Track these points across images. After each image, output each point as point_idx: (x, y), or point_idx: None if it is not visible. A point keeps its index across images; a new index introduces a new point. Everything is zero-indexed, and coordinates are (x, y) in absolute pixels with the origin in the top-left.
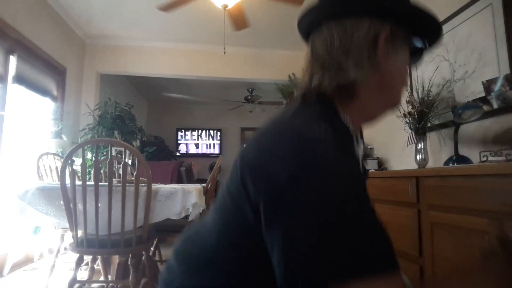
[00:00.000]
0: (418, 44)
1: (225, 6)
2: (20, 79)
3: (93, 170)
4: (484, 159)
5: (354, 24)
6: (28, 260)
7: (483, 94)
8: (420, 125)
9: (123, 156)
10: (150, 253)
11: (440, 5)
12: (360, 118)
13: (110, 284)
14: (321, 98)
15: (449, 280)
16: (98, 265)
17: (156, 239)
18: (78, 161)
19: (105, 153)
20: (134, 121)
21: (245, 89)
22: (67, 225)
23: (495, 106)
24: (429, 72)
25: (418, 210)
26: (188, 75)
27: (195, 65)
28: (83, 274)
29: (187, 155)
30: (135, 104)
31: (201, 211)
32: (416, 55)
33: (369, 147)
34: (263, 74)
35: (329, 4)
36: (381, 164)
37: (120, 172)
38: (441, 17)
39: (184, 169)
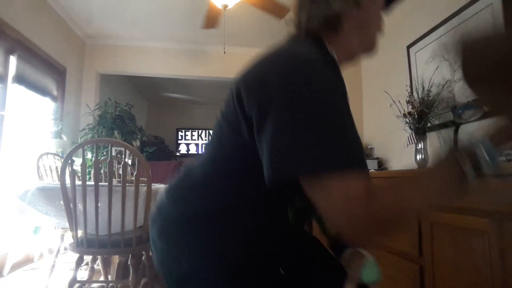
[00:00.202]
0: None
1: (225, 6)
2: (20, 79)
3: (93, 170)
4: None
5: None
6: (28, 260)
7: None
8: (420, 125)
9: (123, 156)
10: (150, 253)
11: (440, 5)
12: (343, 55)
13: (110, 284)
14: (310, 34)
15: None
16: (98, 265)
17: None
18: (78, 161)
19: (105, 153)
20: (134, 121)
21: None
22: (67, 225)
23: None
24: (429, 72)
25: None
26: (188, 75)
27: (195, 65)
28: (83, 274)
29: (187, 155)
30: (135, 104)
31: None
32: (389, 5)
33: (369, 147)
34: None
35: None
36: (381, 164)
37: (120, 172)
38: (441, 17)
39: None
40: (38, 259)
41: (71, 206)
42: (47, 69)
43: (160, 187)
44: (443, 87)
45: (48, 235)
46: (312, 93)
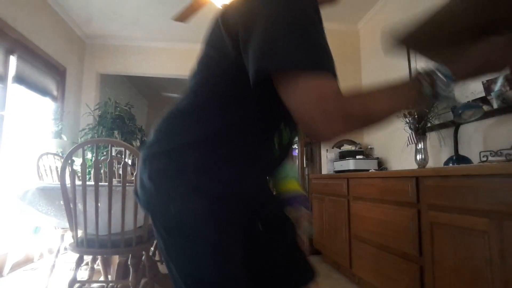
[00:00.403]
0: None
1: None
2: (20, 79)
3: (93, 170)
4: (484, 159)
5: None
6: (28, 260)
7: (483, 94)
8: (420, 125)
9: (123, 156)
10: (150, 253)
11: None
12: None
13: (110, 284)
14: None
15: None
16: (98, 265)
17: (156, 239)
18: (78, 161)
19: (105, 153)
20: (134, 121)
21: None
22: (67, 225)
23: (495, 106)
24: None
25: (418, 210)
26: (188, 75)
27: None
28: (83, 274)
29: None
30: (135, 104)
31: None
32: None
33: (369, 147)
34: None
35: None
36: (381, 164)
37: (120, 172)
38: None
39: None
40: (38, 259)
41: (71, 206)
42: (47, 69)
43: None
44: None
45: (48, 235)
46: (291, 2)
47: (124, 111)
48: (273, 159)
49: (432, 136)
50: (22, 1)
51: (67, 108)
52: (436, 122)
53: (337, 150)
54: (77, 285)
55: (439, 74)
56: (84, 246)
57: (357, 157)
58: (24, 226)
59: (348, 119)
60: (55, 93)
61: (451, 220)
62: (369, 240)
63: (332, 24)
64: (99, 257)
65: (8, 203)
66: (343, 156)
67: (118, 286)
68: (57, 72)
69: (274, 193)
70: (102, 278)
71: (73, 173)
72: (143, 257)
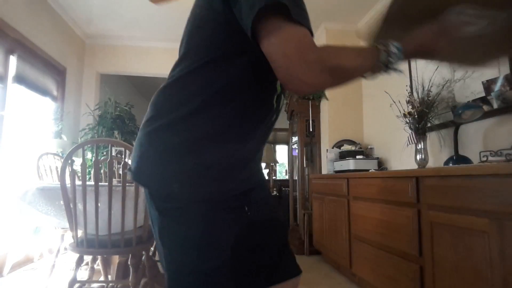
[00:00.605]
0: None
1: None
2: (20, 79)
3: (93, 170)
4: (484, 159)
5: None
6: (28, 260)
7: (483, 94)
8: (420, 125)
9: (123, 156)
10: (150, 253)
11: None
12: None
13: (110, 284)
14: None
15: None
16: (98, 265)
17: None
18: (78, 161)
19: (105, 153)
20: (134, 121)
21: None
22: (67, 225)
23: (495, 106)
24: (429, 72)
25: (418, 210)
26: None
27: None
28: (83, 274)
29: None
30: (135, 104)
31: None
32: None
33: (369, 147)
34: None
35: None
36: (381, 164)
37: (120, 172)
38: None
39: None
40: (38, 259)
41: (71, 206)
42: (47, 69)
43: None
44: (443, 87)
45: (48, 235)
46: None
47: (124, 111)
48: (269, 124)
49: (432, 136)
50: (22, 1)
51: (67, 108)
52: (436, 122)
53: (337, 150)
54: (77, 285)
55: (392, 46)
56: (84, 246)
57: (357, 157)
58: (24, 226)
59: (325, 71)
60: (55, 93)
61: (451, 220)
62: (369, 240)
63: (332, 24)
64: (99, 257)
65: (8, 203)
66: (343, 156)
67: (118, 286)
68: (57, 72)
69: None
70: (102, 278)
71: (73, 173)
72: (143, 257)
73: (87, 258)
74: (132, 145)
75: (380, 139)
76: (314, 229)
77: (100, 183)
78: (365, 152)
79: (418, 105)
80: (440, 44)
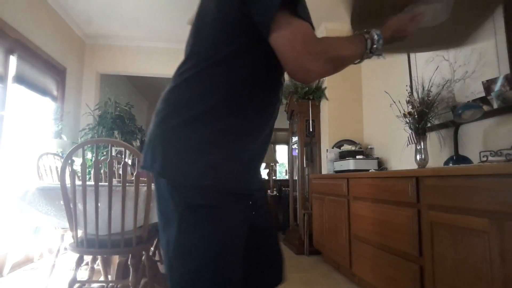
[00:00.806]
0: None
1: None
2: (20, 79)
3: (93, 170)
4: (484, 159)
5: None
6: (28, 260)
7: (483, 94)
8: (420, 125)
9: (123, 156)
10: (150, 253)
11: None
12: None
13: (110, 284)
14: None
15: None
16: (98, 265)
17: (156, 239)
18: (78, 161)
19: (105, 153)
20: (134, 121)
21: None
22: (67, 225)
23: (495, 106)
24: (429, 72)
25: (418, 210)
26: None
27: None
28: (83, 274)
29: None
30: (135, 104)
31: None
32: None
33: (369, 147)
34: None
35: None
36: (381, 164)
37: (120, 172)
38: None
39: None
40: (38, 259)
41: (71, 206)
42: (47, 69)
43: None
44: (443, 87)
45: (48, 235)
46: None
47: (124, 111)
48: (275, 118)
49: (432, 136)
50: (22, 1)
51: (67, 108)
52: (436, 122)
53: (337, 150)
54: (77, 285)
55: (375, 34)
56: (84, 246)
57: (357, 157)
58: (24, 226)
59: (328, 60)
60: (55, 93)
61: (451, 220)
62: (369, 240)
63: (333, 24)
64: (99, 257)
65: (8, 203)
66: (343, 156)
67: (118, 286)
68: (57, 72)
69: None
70: (102, 278)
71: (73, 173)
72: (143, 257)
73: (87, 258)
74: (132, 145)
75: (380, 139)
76: (314, 229)
77: (100, 183)
78: (365, 152)
79: (418, 105)
80: (409, 29)
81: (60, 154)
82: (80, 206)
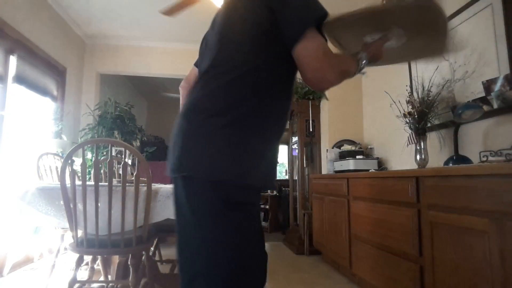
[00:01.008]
0: None
1: None
2: (20, 79)
3: (93, 170)
4: (484, 159)
5: None
6: (28, 260)
7: (483, 94)
8: (420, 125)
9: (123, 156)
10: (150, 253)
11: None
12: None
13: (110, 284)
14: None
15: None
16: (98, 265)
17: (156, 239)
18: (78, 161)
19: (105, 153)
20: (134, 121)
21: None
22: (67, 225)
23: (495, 106)
24: (429, 72)
25: (418, 210)
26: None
27: None
28: (83, 274)
29: None
30: (135, 104)
31: None
32: None
33: (369, 147)
34: None
35: None
36: (381, 164)
37: (120, 172)
38: None
39: None
40: (38, 259)
41: (71, 206)
42: (47, 69)
43: (160, 187)
44: (443, 87)
45: (48, 235)
46: None
47: (124, 111)
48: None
49: (432, 136)
50: (22, 1)
51: (67, 108)
52: (436, 122)
53: (337, 150)
54: (77, 285)
55: (363, 55)
56: (84, 246)
57: (357, 157)
58: (24, 226)
59: (340, 74)
60: (55, 93)
61: (451, 220)
62: (369, 240)
63: None
64: (99, 257)
65: (8, 203)
66: (343, 156)
67: (118, 286)
68: (57, 72)
69: None
70: (102, 278)
71: (73, 173)
72: (143, 257)
73: (87, 258)
74: (132, 145)
75: (380, 139)
76: (314, 229)
77: (100, 183)
78: (365, 152)
79: (418, 105)
80: (382, 52)
81: (60, 154)
82: (80, 206)
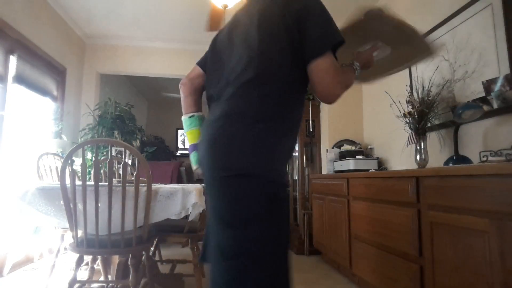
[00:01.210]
0: None
1: (225, 6)
2: (20, 79)
3: (93, 170)
4: (484, 159)
5: None
6: (28, 260)
7: (483, 94)
8: (420, 125)
9: (123, 156)
10: (150, 253)
11: (440, 5)
12: None
13: (110, 284)
14: None
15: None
16: (98, 265)
17: (156, 239)
18: (78, 161)
19: (105, 153)
20: (134, 121)
21: None
22: (67, 225)
23: (495, 106)
24: (429, 72)
25: (418, 210)
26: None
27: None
28: (83, 274)
29: (187, 155)
30: (135, 104)
31: (201, 211)
32: None
33: (369, 147)
34: None
35: None
36: (381, 164)
37: (120, 172)
38: (441, 17)
39: (184, 169)
40: (38, 259)
41: (71, 206)
42: (47, 69)
43: (160, 187)
44: (443, 87)
45: (48, 235)
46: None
47: (124, 111)
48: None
49: (432, 136)
50: (22, 1)
51: (67, 108)
52: (436, 122)
53: (337, 150)
54: (77, 285)
55: (356, 65)
56: (84, 246)
57: (357, 157)
58: (24, 226)
59: (345, 87)
60: (55, 93)
61: (451, 220)
62: (369, 240)
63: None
64: (99, 257)
65: (8, 203)
66: (343, 156)
67: (118, 286)
68: (57, 72)
69: None
70: (102, 278)
71: (73, 173)
72: (143, 257)
73: (87, 258)
74: (132, 145)
75: (380, 139)
76: (314, 229)
77: (100, 183)
78: (365, 152)
79: (418, 105)
80: (372, 61)
81: (60, 154)
82: (80, 206)
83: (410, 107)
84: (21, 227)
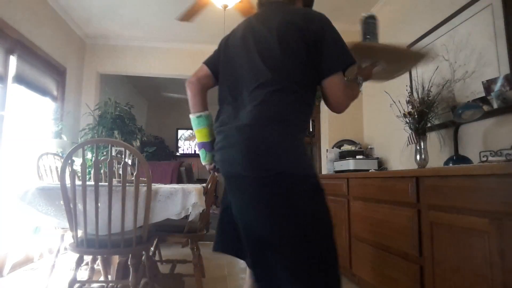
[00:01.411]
0: None
1: (225, 6)
2: (20, 79)
3: (93, 170)
4: (484, 159)
5: None
6: (28, 260)
7: (483, 94)
8: (420, 125)
9: (123, 156)
10: (150, 253)
11: (440, 5)
12: None
13: (110, 284)
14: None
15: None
16: (98, 265)
17: (156, 239)
18: (78, 161)
19: (105, 153)
20: (134, 121)
21: None
22: (67, 225)
23: (495, 106)
24: (429, 72)
25: (418, 210)
26: (188, 75)
27: (195, 65)
28: (83, 274)
29: (187, 155)
30: (135, 104)
31: (201, 211)
32: None
33: (369, 147)
34: None
35: None
36: (381, 164)
37: (120, 172)
38: (441, 17)
39: (184, 169)
40: (38, 259)
41: (71, 206)
42: (47, 69)
43: (160, 187)
44: (443, 87)
45: (48, 235)
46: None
47: (124, 111)
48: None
49: (432, 136)
50: (22, 1)
51: (67, 108)
52: (436, 122)
53: (337, 150)
54: (77, 285)
55: (360, 79)
56: (84, 246)
57: (357, 157)
58: (24, 226)
59: (352, 99)
60: (55, 93)
61: (451, 220)
62: (369, 240)
63: (333, 23)
64: (99, 257)
65: (8, 203)
66: (343, 156)
67: (118, 286)
68: (57, 72)
69: None
70: (102, 278)
71: (73, 173)
72: (143, 257)
73: (87, 258)
74: (132, 145)
75: (380, 139)
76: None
77: (100, 183)
78: (365, 152)
79: (418, 105)
80: (372, 75)
81: (60, 154)
82: (80, 206)
83: (410, 107)
84: (21, 227)
